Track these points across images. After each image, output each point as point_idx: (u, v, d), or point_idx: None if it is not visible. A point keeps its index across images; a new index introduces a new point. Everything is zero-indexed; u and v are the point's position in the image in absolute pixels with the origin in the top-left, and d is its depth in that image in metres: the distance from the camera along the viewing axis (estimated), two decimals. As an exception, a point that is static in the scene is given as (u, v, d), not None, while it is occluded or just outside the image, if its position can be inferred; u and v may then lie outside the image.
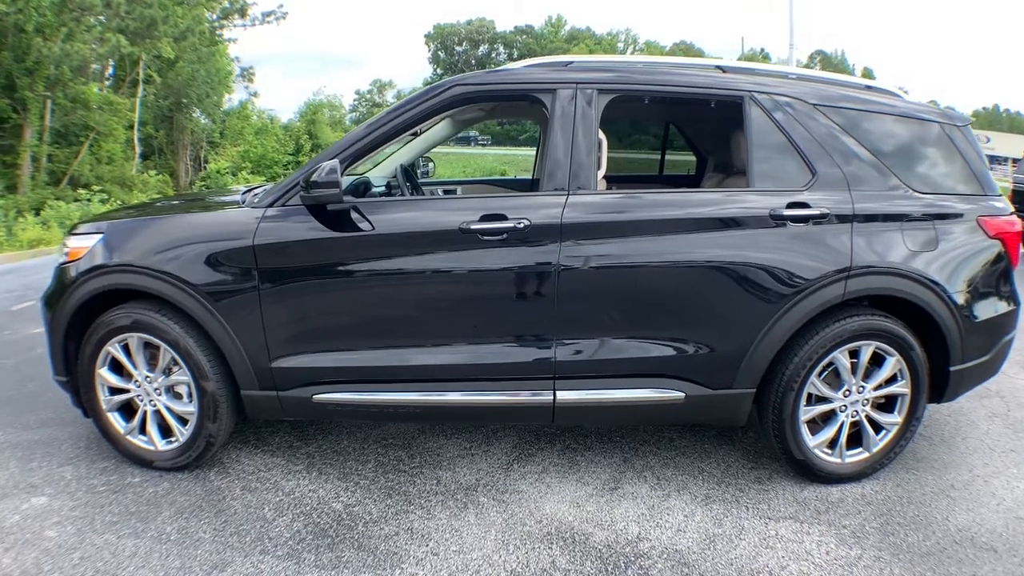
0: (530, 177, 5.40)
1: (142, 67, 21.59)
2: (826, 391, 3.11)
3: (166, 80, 23.54)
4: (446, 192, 5.07)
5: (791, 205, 2.99)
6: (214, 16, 25.46)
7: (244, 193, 3.55)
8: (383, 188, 4.25)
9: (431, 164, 5.35)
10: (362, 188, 3.83)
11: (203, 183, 21.78)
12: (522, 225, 2.91)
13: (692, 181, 4.68)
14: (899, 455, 3.32)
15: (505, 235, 2.92)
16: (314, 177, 2.84)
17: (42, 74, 16.83)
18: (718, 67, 3.30)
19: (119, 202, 15.91)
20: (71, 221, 12.67)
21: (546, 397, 3.01)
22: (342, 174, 2.96)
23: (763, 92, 3.12)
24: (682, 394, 3.03)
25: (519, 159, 36.27)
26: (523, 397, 3.02)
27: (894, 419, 3.18)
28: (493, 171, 29.05)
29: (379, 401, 3.05)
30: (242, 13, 26.29)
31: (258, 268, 2.96)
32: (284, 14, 27.25)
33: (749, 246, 2.96)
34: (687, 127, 4.82)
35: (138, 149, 22.48)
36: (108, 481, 3.20)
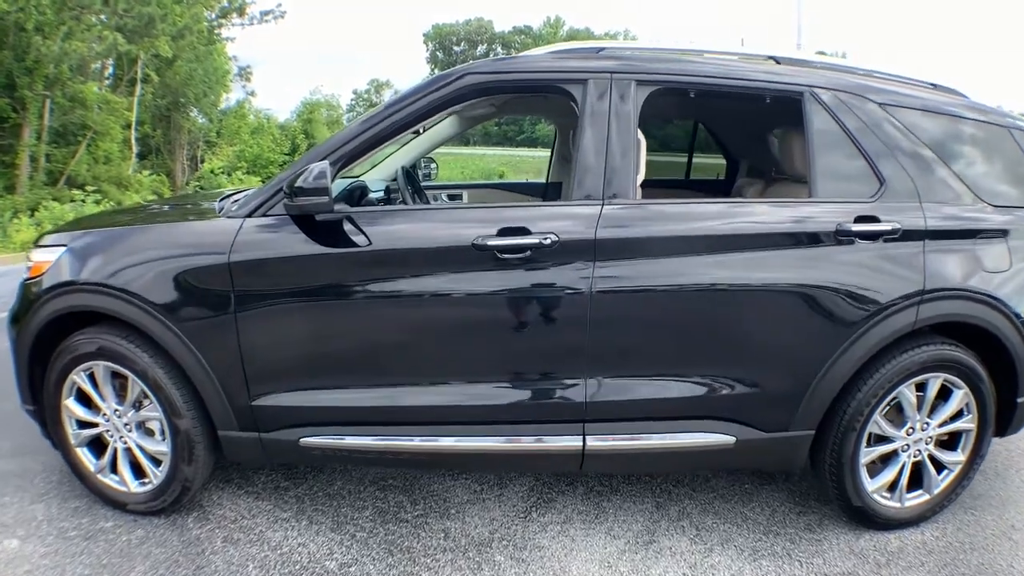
0: (543, 181, 4.94)
1: (140, 66, 21.40)
2: (889, 430, 2.76)
3: (164, 79, 23.32)
4: (451, 197, 4.65)
5: (859, 219, 2.60)
6: (213, 15, 25.27)
7: (222, 200, 3.11)
8: (381, 193, 3.82)
9: (433, 165, 4.90)
10: (357, 194, 3.40)
11: (197, 183, 21.45)
12: (548, 241, 2.49)
13: (722, 186, 4.26)
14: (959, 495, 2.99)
15: (528, 252, 2.50)
16: (299, 182, 2.42)
17: (41, 73, 16.92)
18: (771, 58, 2.89)
19: (112, 203, 15.57)
20: (64, 222, 12.33)
21: (574, 443, 2.59)
22: (334, 178, 2.55)
23: (824, 88, 2.72)
24: (732, 438, 2.63)
25: (516, 160, 35.73)
26: (546, 444, 2.61)
27: (957, 457, 2.86)
28: (491, 173, 28.49)
29: (378, 447, 2.63)
30: (240, 12, 26.11)
31: (235, 290, 2.54)
32: (282, 13, 27.00)
33: (813, 267, 2.57)
34: (720, 126, 4.37)
35: (135, 149, 22.26)
36: (79, 524, 2.84)
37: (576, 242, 2.50)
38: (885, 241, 2.60)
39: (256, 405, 2.63)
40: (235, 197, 2.98)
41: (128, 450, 2.88)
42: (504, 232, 2.50)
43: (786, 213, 2.65)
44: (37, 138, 17.65)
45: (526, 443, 2.61)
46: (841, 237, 2.58)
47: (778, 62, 2.85)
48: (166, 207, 3.63)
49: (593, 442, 2.60)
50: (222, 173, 21.20)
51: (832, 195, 2.66)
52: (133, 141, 21.97)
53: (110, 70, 21.91)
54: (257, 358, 2.59)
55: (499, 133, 59.56)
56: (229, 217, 2.64)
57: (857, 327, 2.57)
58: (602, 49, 2.75)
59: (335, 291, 2.55)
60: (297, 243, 2.54)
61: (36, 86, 16.79)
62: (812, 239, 2.59)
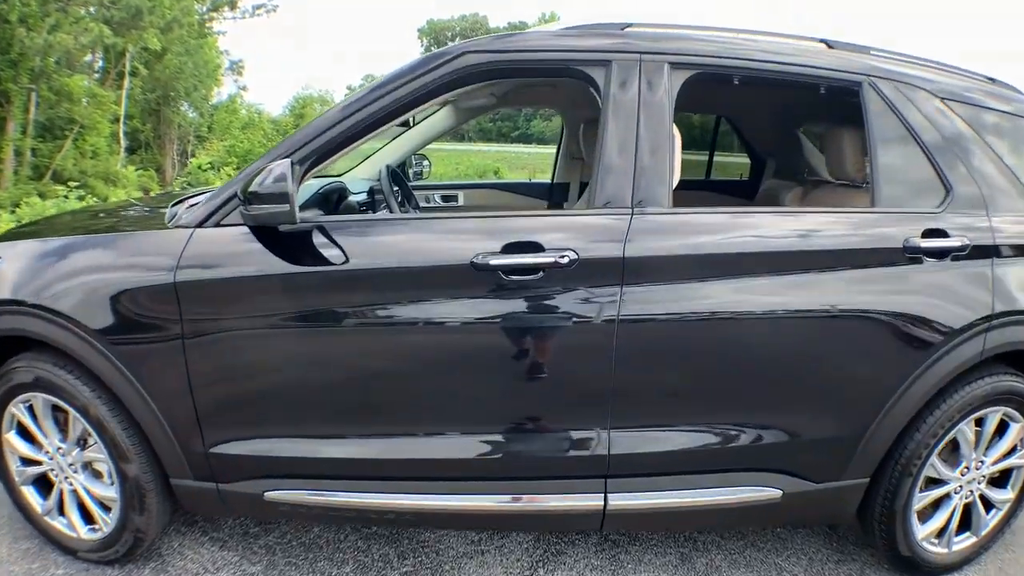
0: (548, 181, 4.49)
1: (128, 59, 21.08)
2: (944, 471, 2.44)
3: (153, 73, 23.03)
4: (445, 199, 4.21)
5: (927, 233, 2.22)
6: (203, 8, 24.98)
7: (175, 204, 2.63)
8: (364, 195, 3.35)
9: (426, 163, 4.44)
10: (335, 197, 2.94)
11: (185, 179, 21.04)
12: (566, 260, 2.05)
13: (747, 188, 3.86)
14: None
15: (540, 274, 2.06)
16: (254, 186, 1.98)
17: (26, 66, 16.74)
18: (823, 41, 2.48)
19: (94, 200, 15.13)
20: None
21: (593, 502, 2.19)
22: (302, 179, 2.13)
23: (884, 77, 2.32)
24: (779, 491, 2.24)
25: (511, 156, 35.12)
26: (560, 503, 2.20)
27: (1007, 495, 2.57)
28: (486, 169, 27.95)
29: (356, 506, 2.22)
30: (232, 5, 25.86)
31: (183, 315, 2.10)
32: (274, 7, 26.77)
33: (879, 290, 2.18)
34: (748, 120, 3.94)
35: (123, 143, 22.02)
36: (30, 570, 2.49)
37: (600, 261, 2.07)
38: (953, 259, 2.24)
39: (213, 453, 2.22)
40: (192, 201, 2.54)
41: (75, 492, 2.49)
42: (511, 248, 2.07)
43: (850, 225, 2.25)
44: (22, 132, 17.48)
45: (536, 503, 2.21)
46: (909, 255, 2.20)
47: (831, 46, 2.44)
48: (134, 209, 3.17)
49: (616, 500, 2.19)
50: (210, 168, 20.70)
51: (896, 204, 2.28)
52: (121, 135, 21.70)
53: (100, 63, 21.63)
54: (211, 398, 2.18)
55: (493, 129, 59.06)
56: (178, 227, 2.21)
57: (923, 360, 2.21)
58: (628, 25, 2.31)
59: (303, 320, 2.13)
60: (256, 259, 2.10)
61: (21, 79, 16.65)
62: (878, 257, 2.20)
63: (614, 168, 2.13)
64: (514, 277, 2.06)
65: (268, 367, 2.16)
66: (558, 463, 2.19)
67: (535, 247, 2.06)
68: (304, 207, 2.58)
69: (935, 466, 2.40)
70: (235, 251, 2.12)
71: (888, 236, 2.20)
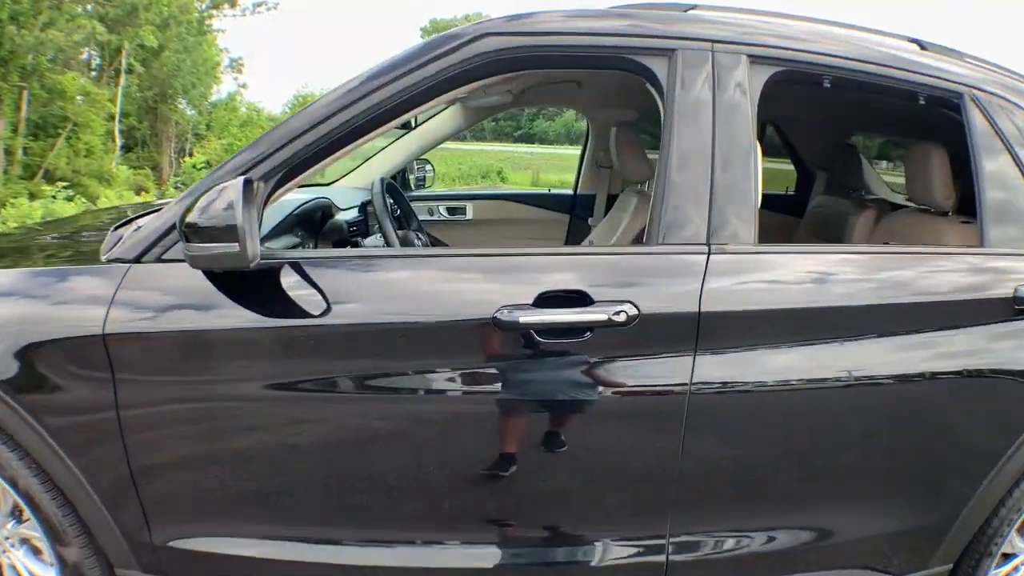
0: (570, 192, 3.99)
1: (124, 56, 20.82)
2: (1019, 544, 2.14)
3: (150, 70, 22.82)
4: (451, 211, 3.73)
5: None
6: (203, 6, 24.80)
7: (118, 227, 2.06)
8: (356, 212, 2.85)
9: (429, 167, 3.97)
10: (318, 216, 2.48)
11: (178, 179, 20.67)
12: (622, 317, 1.57)
13: (793, 203, 3.42)
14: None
15: (588, 335, 1.59)
16: (193, 216, 1.49)
17: (17, 63, 16.53)
18: (914, 41, 2.06)
19: (85, 200, 14.74)
20: (32, 221, 11.53)
21: None
22: (268, 198, 1.66)
23: (987, 91, 1.92)
24: None
25: (515, 157, 34.52)
26: None
27: None
28: (489, 170, 27.45)
29: None
30: (232, 3, 25.62)
31: (116, 377, 1.64)
32: (276, 4, 26.47)
33: (985, 351, 1.83)
34: (803, 128, 3.48)
35: (119, 141, 21.77)
36: None
37: (667, 317, 1.61)
38: None
39: (162, 546, 1.78)
40: (141, 221, 2.04)
41: (13, 567, 2.08)
42: (546, 300, 1.58)
43: (962, 271, 1.87)
44: (13, 131, 17.19)
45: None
46: (1018, 306, 1.82)
47: (923, 47, 2.02)
48: (54, 237, 2.67)
49: None
50: (204, 167, 20.27)
51: (1003, 243, 1.89)
52: (117, 133, 21.43)
53: (97, 61, 21.52)
54: (157, 481, 1.73)
55: (495, 129, 58.31)
56: (112, 260, 1.73)
57: (1018, 432, 1.87)
58: (693, 6, 1.85)
59: (268, 389, 1.66)
60: (207, 306, 1.64)
61: (12, 77, 16.32)
62: (989, 309, 1.83)
63: (681, 188, 1.66)
64: (551, 341, 1.60)
65: (226, 447, 1.71)
66: (603, 574, 1.74)
67: (580, 298, 1.59)
68: (277, 231, 2.12)
69: (1013, 541, 2.09)
70: (180, 295, 1.65)
71: (999, 283, 1.82)
